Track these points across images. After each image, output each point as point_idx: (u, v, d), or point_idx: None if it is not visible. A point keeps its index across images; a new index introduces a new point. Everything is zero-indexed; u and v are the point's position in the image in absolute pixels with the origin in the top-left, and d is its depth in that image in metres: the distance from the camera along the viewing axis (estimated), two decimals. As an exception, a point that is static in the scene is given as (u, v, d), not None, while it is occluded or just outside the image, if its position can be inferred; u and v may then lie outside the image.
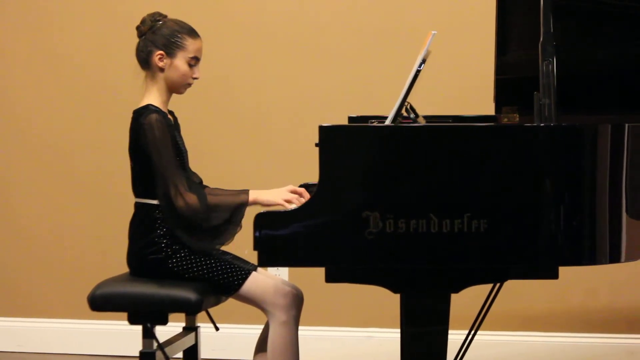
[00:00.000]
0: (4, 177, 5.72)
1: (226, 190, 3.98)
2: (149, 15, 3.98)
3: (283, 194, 3.87)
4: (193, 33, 3.96)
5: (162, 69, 3.94)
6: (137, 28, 3.97)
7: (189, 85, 3.99)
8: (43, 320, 5.71)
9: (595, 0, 4.09)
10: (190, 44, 3.95)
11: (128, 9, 5.39)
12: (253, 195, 3.85)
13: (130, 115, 3.93)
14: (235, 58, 5.51)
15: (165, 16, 3.98)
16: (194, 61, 3.96)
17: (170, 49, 3.93)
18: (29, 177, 5.69)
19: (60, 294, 5.65)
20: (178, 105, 4.08)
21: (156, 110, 3.88)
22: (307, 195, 3.89)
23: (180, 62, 3.94)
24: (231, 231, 3.90)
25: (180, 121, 4.06)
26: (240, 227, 3.89)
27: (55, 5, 5.64)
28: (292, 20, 5.49)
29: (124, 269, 4.00)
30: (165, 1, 4.88)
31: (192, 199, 3.82)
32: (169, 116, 3.97)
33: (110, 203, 5.42)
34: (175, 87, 3.97)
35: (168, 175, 3.83)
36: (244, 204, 3.86)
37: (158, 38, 3.93)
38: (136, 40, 3.98)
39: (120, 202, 4.29)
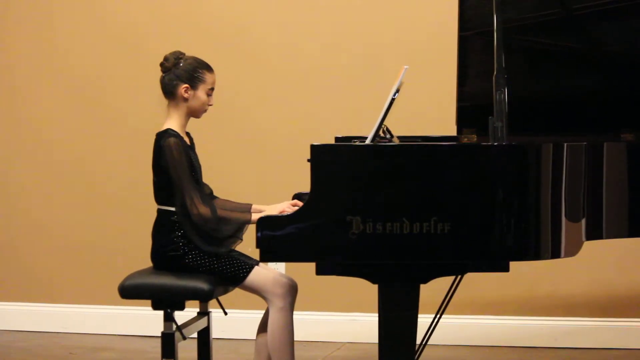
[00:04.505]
0: (47, 191, 5.74)
1: (234, 203, 4.00)
2: (171, 53, 3.97)
3: (280, 207, 3.86)
4: (210, 68, 3.97)
5: (186, 99, 3.93)
6: (162, 65, 3.96)
7: (205, 111, 3.99)
8: (83, 306, 5.71)
9: (540, 41, 4.10)
10: (208, 77, 3.95)
11: (137, 37, 5.41)
12: (255, 216, 3.80)
13: (153, 136, 3.93)
14: (238, 87, 5.51)
15: (184, 54, 3.97)
16: (211, 91, 3.97)
17: (194, 82, 3.93)
18: (67, 191, 5.71)
19: (96, 284, 5.65)
20: (193, 127, 4.07)
21: (174, 134, 3.88)
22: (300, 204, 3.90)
23: (201, 93, 3.94)
24: (234, 242, 3.90)
25: (195, 140, 4.05)
26: (242, 240, 3.89)
27: (70, 24, 5.66)
28: (289, 56, 5.50)
29: (148, 263, 3.99)
30: (178, 40, 4.89)
31: (205, 210, 3.81)
32: (186, 137, 3.96)
33: (137, 210, 5.39)
34: (195, 113, 3.97)
35: (185, 190, 3.82)
36: (248, 222, 3.86)
37: (182, 73, 3.92)
38: (158, 71, 3.97)
39: (146, 208, 4.28)
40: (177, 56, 3.96)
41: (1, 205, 5.82)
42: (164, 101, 3.98)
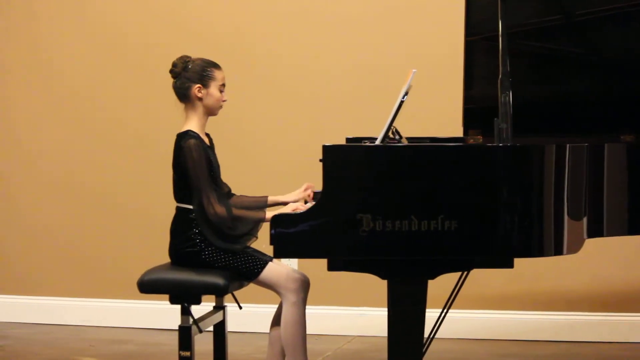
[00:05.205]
0: (65, 198, 5.76)
1: (250, 197, 4.00)
2: (178, 59, 3.97)
3: (294, 196, 3.89)
4: (217, 65, 3.98)
5: (200, 99, 3.94)
6: (171, 71, 3.96)
7: (221, 107, 3.99)
8: (103, 300, 5.72)
9: (543, 46, 4.10)
10: (217, 74, 3.96)
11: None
12: (269, 214, 3.81)
13: (174, 137, 3.94)
14: (254, 91, 5.52)
15: (190, 57, 3.98)
16: (223, 87, 3.98)
17: (205, 81, 3.94)
18: (85, 197, 5.73)
19: (116, 279, 5.66)
20: (212, 129, 4.07)
21: (194, 135, 3.88)
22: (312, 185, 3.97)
23: (213, 90, 3.95)
24: (248, 240, 3.91)
25: (214, 141, 4.06)
26: (257, 237, 3.90)
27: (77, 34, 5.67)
28: (303, 63, 5.52)
29: (166, 259, 4.00)
30: (185, 46, 4.89)
31: (221, 209, 3.82)
32: (206, 138, 3.97)
33: (155, 209, 5.40)
34: (211, 111, 3.97)
35: (202, 190, 3.83)
36: (262, 220, 3.87)
37: (192, 75, 3.93)
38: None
39: (163, 207, 4.29)
40: (185, 60, 3.97)
41: (21, 209, 5.85)
42: (180, 105, 3.98)
